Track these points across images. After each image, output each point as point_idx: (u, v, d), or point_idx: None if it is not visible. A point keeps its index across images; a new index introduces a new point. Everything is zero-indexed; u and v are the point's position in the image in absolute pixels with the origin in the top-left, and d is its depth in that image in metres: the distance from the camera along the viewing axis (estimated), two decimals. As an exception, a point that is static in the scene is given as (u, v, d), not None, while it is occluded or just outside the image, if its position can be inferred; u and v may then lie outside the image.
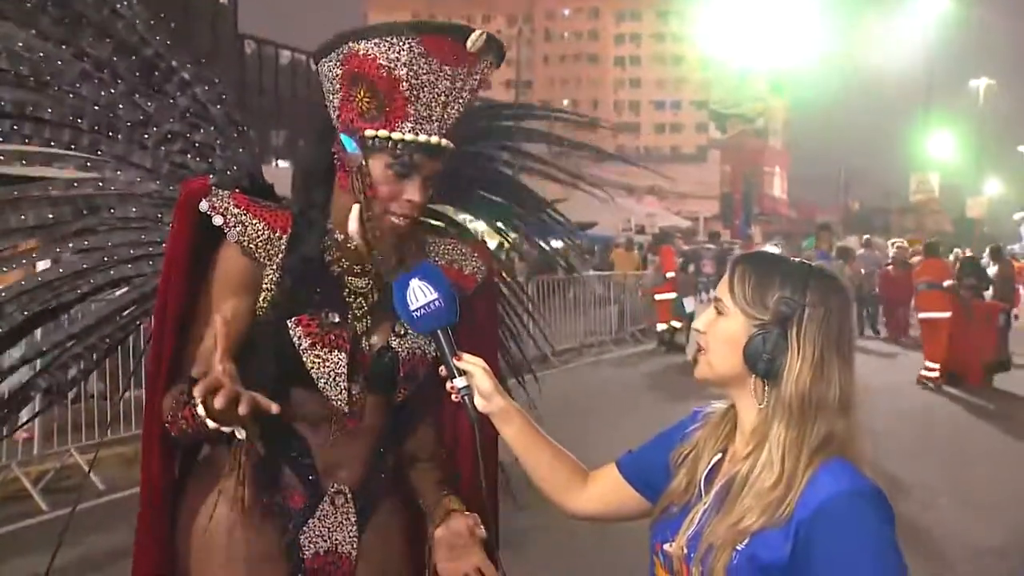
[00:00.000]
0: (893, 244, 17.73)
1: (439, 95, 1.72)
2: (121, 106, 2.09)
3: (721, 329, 1.50)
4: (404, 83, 1.69)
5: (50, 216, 2.07)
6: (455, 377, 1.68)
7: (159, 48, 2.12)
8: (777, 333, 1.44)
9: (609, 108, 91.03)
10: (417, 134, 1.73)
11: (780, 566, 1.38)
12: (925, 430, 9.08)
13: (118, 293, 2.15)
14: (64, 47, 2.08)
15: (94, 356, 2.18)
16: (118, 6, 2.11)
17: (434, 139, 1.74)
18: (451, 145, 1.78)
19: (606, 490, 1.70)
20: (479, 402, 1.67)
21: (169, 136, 2.10)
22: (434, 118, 1.73)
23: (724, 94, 31.18)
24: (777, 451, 1.42)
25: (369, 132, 1.73)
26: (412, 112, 1.71)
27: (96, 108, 2.08)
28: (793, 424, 1.42)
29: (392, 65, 1.69)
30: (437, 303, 1.68)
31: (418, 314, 1.69)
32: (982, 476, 7.19)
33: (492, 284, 2.11)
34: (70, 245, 2.08)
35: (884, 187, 61.65)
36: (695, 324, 1.58)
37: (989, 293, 13.17)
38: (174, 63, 2.12)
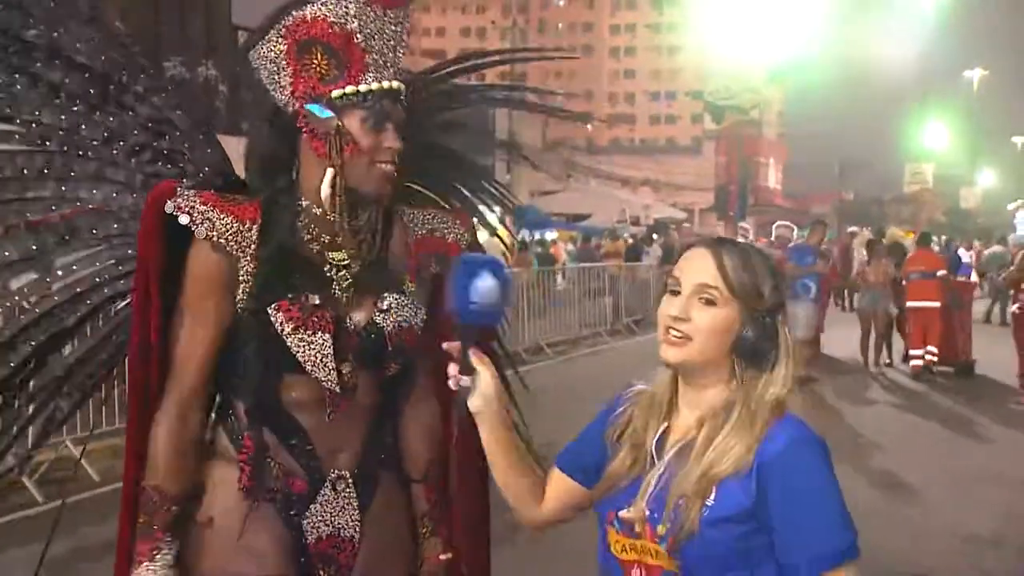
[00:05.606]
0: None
1: (388, 40, 1.81)
2: (84, 126, 2.10)
3: (712, 316, 1.52)
4: (358, 35, 1.77)
5: (34, 247, 2.08)
6: (466, 374, 1.62)
7: (107, 65, 2.11)
8: (769, 322, 1.52)
9: (604, 99, 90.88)
10: (381, 82, 1.80)
11: (744, 511, 1.47)
12: (918, 418, 9.11)
13: (115, 310, 2.15)
14: (17, 75, 2.08)
15: (105, 371, 2.21)
16: (62, 29, 2.09)
17: (396, 84, 1.82)
18: (403, 88, 1.85)
19: (556, 490, 1.74)
20: (474, 401, 1.64)
21: (137, 148, 2.11)
22: (388, 64, 1.82)
23: (719, 85, 31.11)
24: (742, 416, 1.51)
25: (336, 92, 1.79)
26: (371, 62, 1.79)
27: (61, 131, 2.09)
28: (761, 396, 1.53)
29: (343, 20, 1.77)
30: (496, 309, 1.61)
31: (474, 307, 1.59)
32: (975, 464, 7.21)
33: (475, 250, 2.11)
34: (59, 273, 2.08)
35: (879, 177, 61.67)
36: (672, 312, 1.54)
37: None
38: (124, 78, 2.12)
